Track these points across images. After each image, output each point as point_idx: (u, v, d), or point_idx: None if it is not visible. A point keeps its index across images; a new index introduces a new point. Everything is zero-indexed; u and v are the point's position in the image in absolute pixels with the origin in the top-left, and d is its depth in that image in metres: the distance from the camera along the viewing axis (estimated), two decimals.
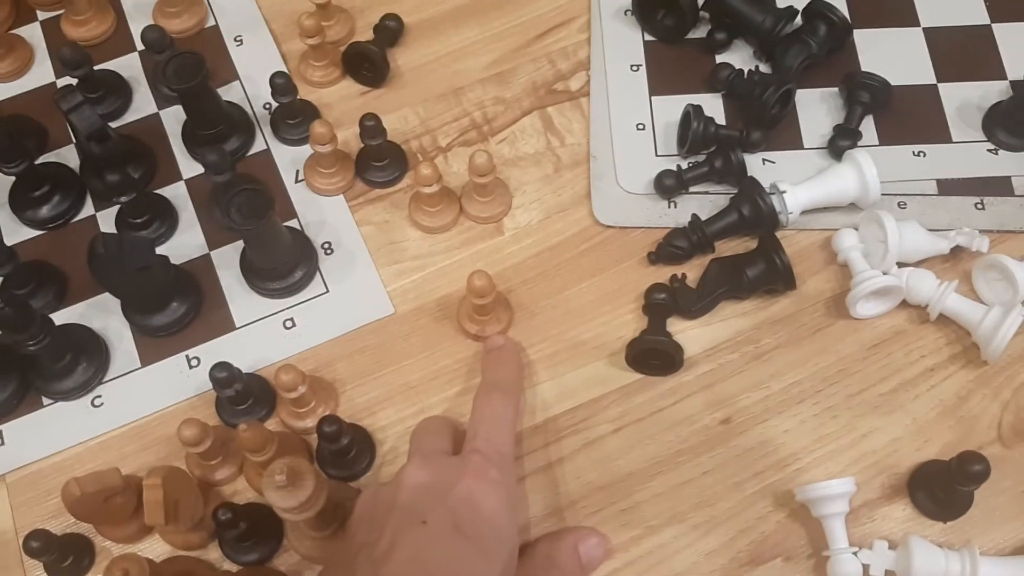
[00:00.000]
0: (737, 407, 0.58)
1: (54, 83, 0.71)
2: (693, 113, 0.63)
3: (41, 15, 0.73)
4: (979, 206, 0.63)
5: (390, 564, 0.44)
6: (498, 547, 0.47)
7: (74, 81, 0.66)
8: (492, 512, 0.47)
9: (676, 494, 0.56)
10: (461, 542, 0.45)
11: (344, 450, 0.54)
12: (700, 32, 0.70)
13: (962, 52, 0.69)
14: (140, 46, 0.71)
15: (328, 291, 0.63)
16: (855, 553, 0.53)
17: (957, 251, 0.61)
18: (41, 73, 0.71)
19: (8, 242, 0.64)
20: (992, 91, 0.67)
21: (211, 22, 0.73)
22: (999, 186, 0.64)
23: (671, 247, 0.61)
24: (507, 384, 0.56)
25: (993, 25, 0.70)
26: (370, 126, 0.62)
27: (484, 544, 0.46)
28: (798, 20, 0.68)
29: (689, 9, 0.67)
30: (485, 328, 0.60)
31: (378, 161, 0.65)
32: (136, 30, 0.72)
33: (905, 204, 0.64)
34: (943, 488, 0.54)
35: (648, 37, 0.70)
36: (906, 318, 0.61)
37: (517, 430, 0.55)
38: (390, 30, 0.70)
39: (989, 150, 0.65)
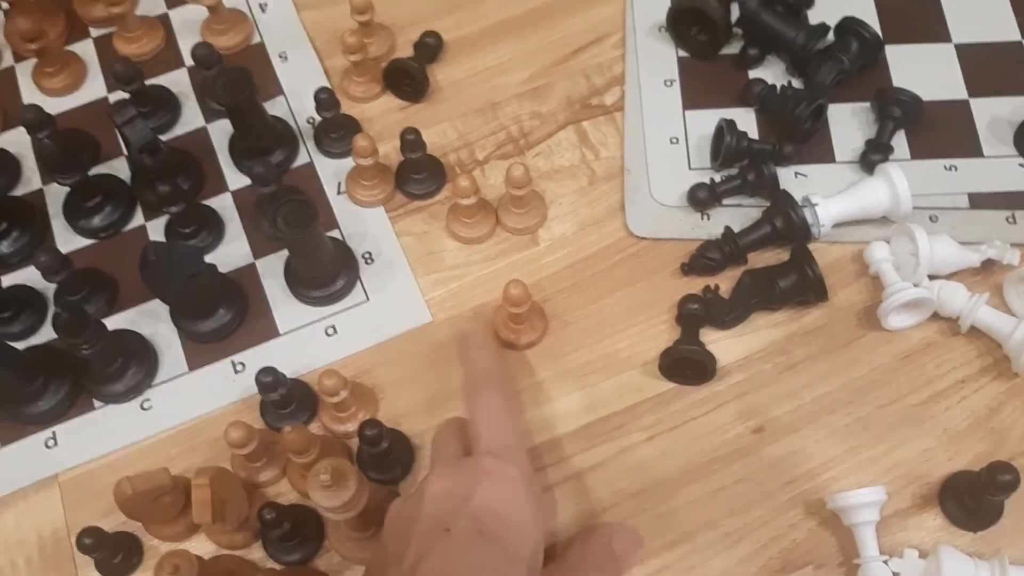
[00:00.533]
0: (769, 416, 0.59)
1: (106, 98, 0.73)
2: (726, 127, 0.65)
3: (94, 32, 0.76)
4: (1010, 220, 0.64)
5: (420, 572, 0.45)
6: (521, 545, 0.47)
7: (126, 96, 0.68)
8: (513, 511, 0.48)
9: (709, 501, 0.57)
10: (485, 546, 0.46)
11: (384, 454, 0.55)
12: (733, 48, 0.71)
13: (993, 68, 0.70)
14: (188, 62, 0.73)
15: (368, 299, 0.64)
16: (886, 562, 0.54)
17: (988, 264, 0.62)
18: (94, 88, 0.74)
19: (62, 250, 0.66)
20: (1023, 107, 0.68)
21: (257, 39, 0.75)
22: None
23: (704, 258, 0.63)
24: (487, 374, 0.55)
25: None
26: (411, 140, 0.64)
27: (507, 544, 0.47)
28: (830, 36, 0.69)
29: (722, 25, 0.68)
30: (520, 337, 0.62)
31: (417, 174, 0.67)
32: (184, 46, 0.74)
33: (936, 217, 0.64)
34: (973, 498, 0.55)
35: (682, 53, 0.72)
36: (937, 330, 0.61)
37: (515, 417, 0.55)
38: (430, 47, 0.72)
39: (1021, 164, 0.66)
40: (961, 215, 0.64)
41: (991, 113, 0.68)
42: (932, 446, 0.58)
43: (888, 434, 0.58)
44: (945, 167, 0.66)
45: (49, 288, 0.65)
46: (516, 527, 0.48)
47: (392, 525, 0.50)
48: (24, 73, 0.74)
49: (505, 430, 0.52)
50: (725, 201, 0.65)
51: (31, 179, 0.70)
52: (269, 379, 0.56)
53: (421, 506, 0.48)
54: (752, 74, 0.70)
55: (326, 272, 0.63)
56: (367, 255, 0.66)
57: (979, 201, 0.65)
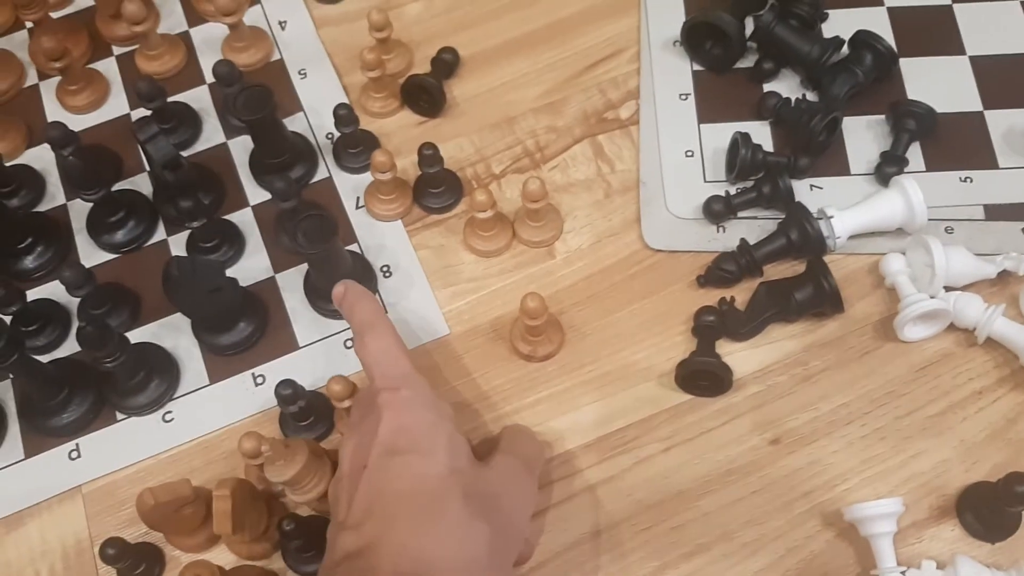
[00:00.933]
0: (786, 428, 0.60)
1: (129, 115, 0.74)
2: (741, 140, 0.65)
3: (116, 50, 0.77)
4: None
5: (351, 513, 0.48)
6: (434, 439, 0.50)
7: (148, 113, 0.69)
8: (414, 420, 0.50)
9: (726, 513, 0.57)
10: (400, 459, 0.49)
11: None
12: (748, 62, 0.71)
13: (1008, 80, 0.70)
14: (209, 79, 0.75)
15: (387, 312, 0.65)
16: (903, 573, 0.54)
17: (1005, 275, 0.62)
18: (117, 105, 0.75)
19: (86, 265, 0.67)
20: None
21: (276, 56, 0.76)
22: None
23: (720, 270, 0.63)
24: (370, 317, 0.56)
25: None
26: (428, 154, 0.65)
27: (420, 446, 0.49)
28: (845, 49, 0.69)
29: (737, 39, 0.69)
30: (537, 349, 0.62)
31: (435, 188, 0.68)
32: (205, 64, 0.76)
33: (952, 229, 0.64)
34: (991, 509, 0.55)
35: (696, 67, 0.72)
36: (954, 341, 0.61)
37: (404, 347, 0.56)
38: (446, 63, 0.73)
39: None
40: (977, 226, 0.65)
41: (1006, 124, 0.68)
42: (949, 457, 0.58)
43: (905, 445, 0.59)
44: (960, 179, 0.66)
45: (73, 302, 0.66)
46: (422, 433, 0.50)
47: (330, 498, 0.53)
48: (48, 91, 0.75)
49: (393, 361, 0.54)
50: (740, 214, 0.66)
51: (55, 195, 0.71)
52: (289, 391, 0.57)
53: (340, 467, 0.51)
54: (767, 87, 0.70)
55: None
56: (385, 268, 0.67)
57: (995, 212, 0.65)
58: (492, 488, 0.51)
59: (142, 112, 0.71)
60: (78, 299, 0.64)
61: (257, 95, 0.65)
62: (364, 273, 0.65)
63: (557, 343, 0.63)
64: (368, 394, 0.55)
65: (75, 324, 0.66)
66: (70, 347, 0.65)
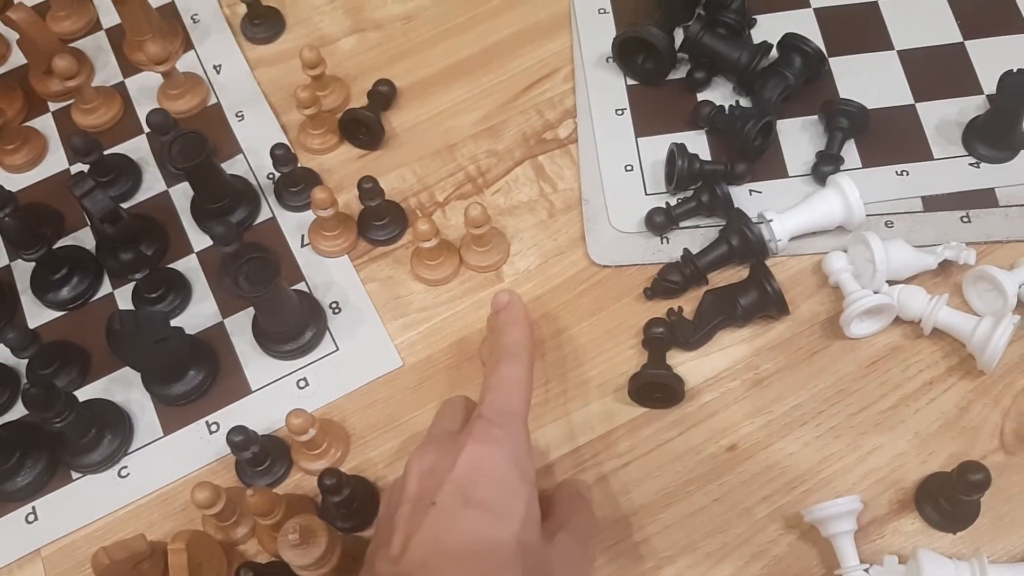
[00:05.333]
0: (741, 434, 0.60)
1: (68, 169, 0.74)
2: (677, 151, 0.65)
3: (52, 106, 0.77)
4: (965, 219, 0.65)
5: (407, 556, 0.44)
6: (511, 503, 0.46)
7: (86, 167, 0.69)
8: (498, 472, 0.47)
9: (688, 523, 0.58)
10: (472, 512, 0.45)
11: (347, 501, 0.55)
12: (680, 73, 0.72)
13: (937, 71, 0.71)
14: (147, 129, 0.74)
15: (338, 349, 0.65)
16: (866, 570, 0.54)
17: (947, 265, 0.63)
18: (55, 161, 0.74)
19: (32, 324, 0.67)
20: (969, 106, 0.69)
21: (213, 100, 0.76)
22: (983, 198, 0.65)
23: (665, 282, 0.63)
24: (516, 347, 0.53)
25: (966, 42, 0.72)
26: (368, 188, 0.65)
27: (496, 506, 0.46)
28: (774, 53, 0.70)
29: (666, 52, 0.69)
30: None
31: (378, 220, 0.68)
32: (142, 113, 0.75)
33: (892, 223, 0.65)
34: (949, 500, 0.55)
35: (630, 81, 0.73)
36: (901, 334, 0.62)
37: (531, 389, 0.53)
38: (383, 95, 0.73)
39: (971, 164, 0.67)
40: (916, 219, 0.65)
41: (938, 115, 0.69)
42: (905, 450, 0.58)
43: (860, 442, 0.59)
44: (897, 172, 0.67)
45: (21, 364, 0.65)
46: (503, 486, 0.47)
47: (383, 511, 0.50)
48: None
49: (511, 397, 0.51)
50: (682, 224, 0.66)
51: None
52: (240, 438, 0.56)
53: (406, 485, 0.48)
54: (700, 96, 0.71)
55: (293, 326, 0.63)
56: (334, 305, 0.66)
57: (933, 203, 0.66)
58: (551, 571, 0.48)
59: (81, 166, 0.71)
60: (25, 360, 0.64)
61: (191, 141, 0.64)
62: (312, 311, 0.65)
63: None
64: (463, 409, 0.53)
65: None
66: (21, 409, 0.64)
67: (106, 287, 0.69)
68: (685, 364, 0.62)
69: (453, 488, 0.46)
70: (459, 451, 0.47)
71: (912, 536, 0.56)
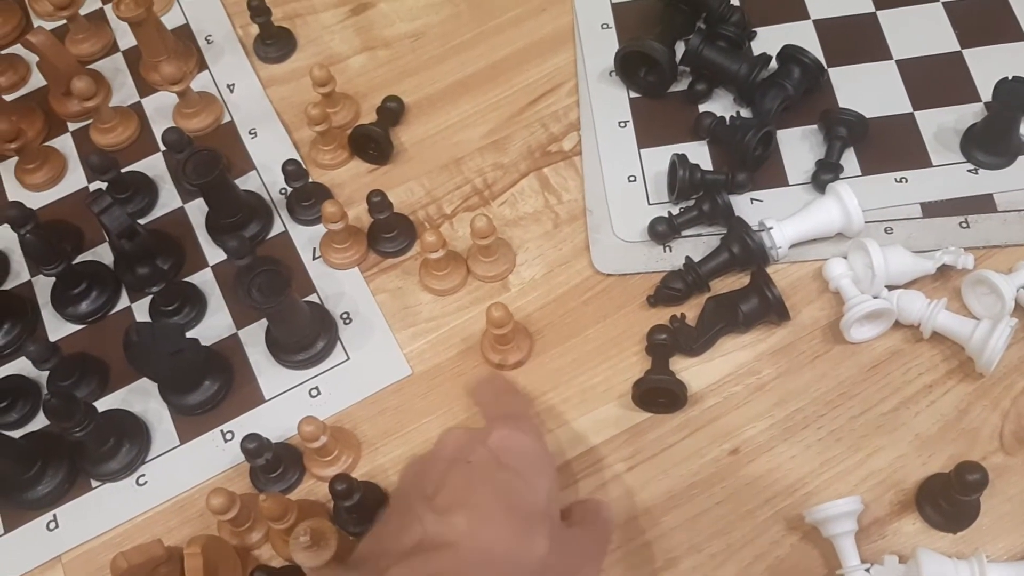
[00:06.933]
0: (744, 437, 0.61)
1: (87, 187, 0.76)
2: (678, 162, 0.67)
3: (71, 126, 0.79)
4: (964, 225, 0.66)
5: (443, 494, 0.47)
6: (539, 476, 0.50)
7: (104, 184, 0.71)
8: (528, 447, 0.50)
9: (692, 526, 0.59)
10: (505, 472, 0.48)
11: (357, 506, 0.57)
12: (682, 85, 0.73)
13: (935, 79, 0.72)
14: (163, 147, 0.76)
15: (349, 358, 0.66)
16: (867, 570, 0.55)
17: (945, 270, 0.64)
18: (75, 179, 0.77)
19: (52, 338, 0.69)
20: (967, 114, 0.70)
21: (227, 118, 0.78)
22: (981, 204, 0.66)
23: (668, 289, 0.64)
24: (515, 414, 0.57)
25: (963, 51, 0.73)
26: (376, 201, 0.67)
27: (526, 474, 0.49)
28: (774, 64, 0.71)
29: (668, 65, 0.71)
30: (507, 357, 0.64)
31: (387, 233, 0.70)
32: (158, 132, 0.77)
33: (892, 229, 0.66)
34: (948, 500, 0.56)
35: (633, 94, 0.74)
36: (901, 338, 0.63)
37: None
38: (392, 111, 0.75)
39: (969, 170, 0.68)
40: (915, 225, 0.66)
41: (936, 123, 0.70)
42: (905, 452, 0.59)
43: (861, 444, 0.60)
44: (896, 180, 0.68)
45: (43, 375, 0.67)
46: (533, 460, 0.50)
47: (410, 471, 0.52)
48: (7, 171, 0.77)
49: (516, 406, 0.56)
50: (684, 232, 0.67)
51: (20, 272, 0.73)
52: (254, 445, 0.58)
53: (440, 451, 0.51)
54: (702, 108, 0.72)
55: (305, 336, 0.65)
56: (345, 315, 0.68)
57: (931, 209, 0.67)
58: (568, 551, 0.50)
59: (99, 184, 0.73)
60: (46, 372, 0.65)
61: (205, 159, 0.66)
62: (324, 322, 0.66)
63: (526, 350, 0.64)
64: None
65: None
66: (43, 420, 0.66)
67: (124, 301, 0.71)
68: (688, 370, 0.63)
69: (487, 453, 0.49)
70: (488, 432, 0.50)
71: (913, 536, 0.57)
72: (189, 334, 0.65)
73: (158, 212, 0.74)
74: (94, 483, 0.64)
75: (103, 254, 0.73)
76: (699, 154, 0.70)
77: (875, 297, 0.62)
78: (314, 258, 0.71)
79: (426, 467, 0.50)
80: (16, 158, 0.76)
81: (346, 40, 0.81)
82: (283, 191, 0.74)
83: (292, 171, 0.69)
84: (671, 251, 0.67)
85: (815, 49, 0.73)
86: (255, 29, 0.80)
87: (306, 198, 0.71)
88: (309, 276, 0.70)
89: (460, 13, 0.81)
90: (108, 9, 0.84)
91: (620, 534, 0.59)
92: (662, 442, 0.61)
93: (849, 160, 0.69)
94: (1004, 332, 0.58)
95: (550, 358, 0.65)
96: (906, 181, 0.68)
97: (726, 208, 0.65)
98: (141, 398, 0.66)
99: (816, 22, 0.75)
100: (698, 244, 0.67)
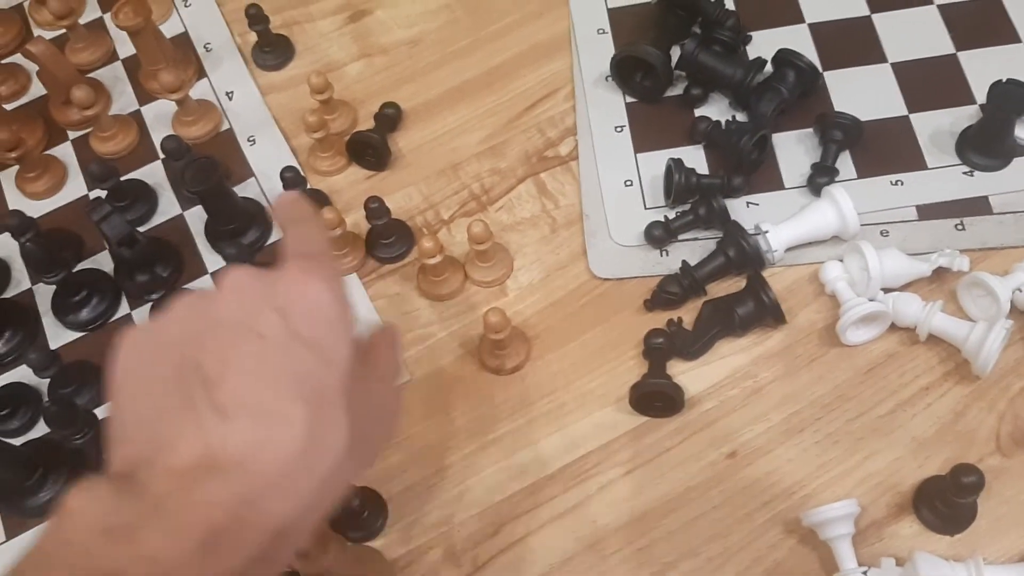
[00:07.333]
0: (741, 441, 0.61)
1: (87, 195, 0.76)
2: (674, 166, 0.67)
3: (71, 134, 0.80)
4: (959, 227, 0.66)
5: (227, 386, 0.38)
6: (339, 348, 0.41)
7: (103, 193, 0.72)
8: (326, 306, 0.41)
9: (689, 529, 0.59)
10: (300, 350, 0.40)
11: (356, 512, 0.57)
12: (677, 89, 0.74)
13: (930, 82, 0.72)
14: (162, 155, 0.77)
15: None
16: (864, 573, 0.55)
17: (941, 272, 0.64)
18: (75, 187, 0.77)
19: (53, 345, 0.69)
20: (962, 116, 0.70)
21: (226, 126, 0.78)
22: (977, 206, 0.66)
23: (665, 293, 0.65)
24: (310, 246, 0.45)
25: (958, 53, 0.73)
26: (374, 208, 0.67)
27: (324, 350, 0.40)
28: (769, 68, 0.72)
29: (663, 70, 0.71)
30: (505, 362, 0.64)
31: (385, 239, 0.70)
32: (158, 140, 0.77)
33: (887, 232, 0.66)
34: (945, 503, 0.56)
35: (629, 99, 0.74)
36: (897, 341, 0.63)
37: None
38: (389, 117, 0.75)
39: (964, 172, 0.68)
40: (911, 227, 0.66)
41: (932, 125, 0.70)
42: (902, 455, 0.59)
43: (858, 447, 0.60)
44: (891, 182, 0.68)
45: (43, 383, 0.68)
46: (332, 327, 0.41)
47: (187, 320, 0.41)
48: (8, 179, 0.78)
49: (312, 246, 0.45)
50: (681, 236, 0.68)
51: (20, 281, 0.73)
52: None
53: (223, 306, 0.41)
54: (697, 112, 0.73)
55: None
56: None
57: (927, 212, 0.67)
58: (367, 414, 0.42)
59: (99, 192, 0.74)
60: (47, 380, 0.66)
61: (204, 166, 0.67)
62: None
63: (524, 355, 0.65)
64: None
65: None
66: (43, 427, 0.67)
67: (124, 308, 0.71)
68: (685, 373, 0.63)
69: (280, 324, 0.40)
70: (278, 278, 0.41)
71: (910, 539, 0.57)
72: None
73: (157, 220, 0.75)
74: None
75: (103, 262, 0.73)
76: (695, 158, 0.70)
77: (871, 300, 0.62)
78: None
79: (207, 328, 0.40)
80: (17, 167, 0.76)
81: (344, 47, 0.81)
82: None
83: (291, 178, 0.69)
84: (667, 255, 0.67)
85: (810, 52, 0.73)
86: (253, 37, 0.80)
87: None
88: None
89: (457, 20, 0.81)
90: (107, 18, 0.84)
91: (618, 538, 0.59)
92: (659, 446, 0.61)
93: (845, 163, 0.69)
94: (1000, 334, 0.58)
95: (548, 362, 0.65)
96: (901, 184, 0.68)
97: (722, 212, 0.65)
98: None
99: (811, 25, 0.76)
100: (694, 248, 0.67)
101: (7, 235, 0.73)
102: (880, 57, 0.74)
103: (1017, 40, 0.73)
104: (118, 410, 0.41)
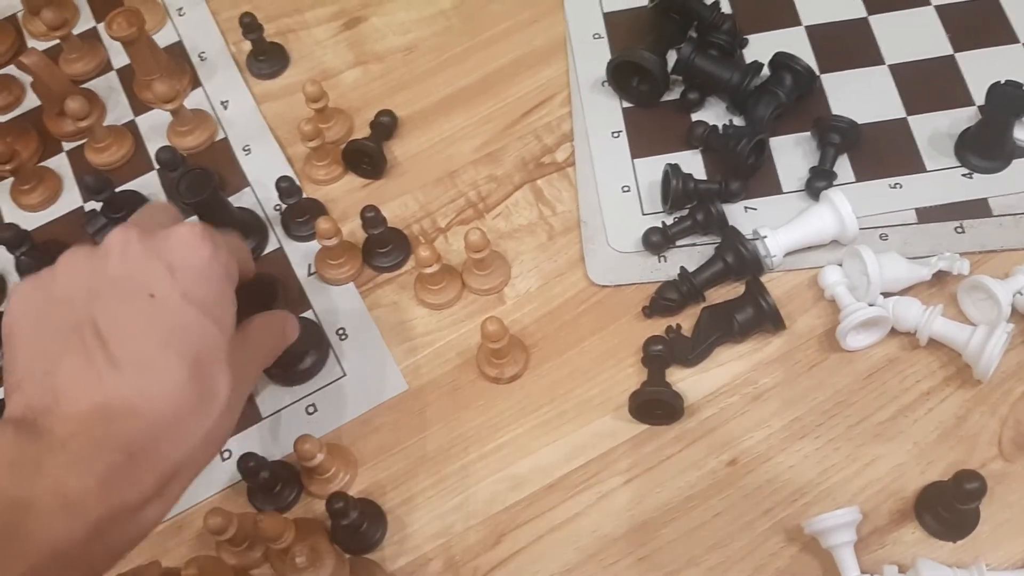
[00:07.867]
0: (742, 448, 0.61)
1: (82, 207, 0.76)
2: (671, 172, 0.67)
3: (66, 146, 0.79)
4: (959, 230, 0.65)
5: (121, 340, 0.42)
6: (224, 308, 0.46)
7: (99, 205, 0.71)
8: (210, 270, 0.45)
9: (690, 538, 0.58)
10: (191, 310, 0.44)
11: (355, 525, 0.56)
12: (674, 94, 0.73)
13: (928, 84, 0.72)
14: (157, 165, 0.76)
15: (345, 374, 0.66)
16: None
17: (941, 276, 0.63)
18: (69, 199, 0.77)
19: None
20: (961, 118, 0.70)
21: (221, 135, 0.78)
22: (977, 208, 0.66)
23: (663, 300, 0.64)
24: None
25: (956, 55, 0.73)
26: (370, 217, 0.67)
27: (211, 308, 0.45)
28: (766, 72, 0.71)
29: (660, 75, 0.71)
30: (504, 371, 0.64)
31: (382, 248, 0.69)
32: (153, 150, 0.77)
33: (887, 236, 0.66)
34: (948, 509, 0.56)
35: (625, 104, 0.74)
36: (898, 345, 0.62)
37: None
38: (385, 125, 0.75)
39: (963, 175, 0.67)
40: (910, 231, 0.66)
41: (930, 128, 0.70)
42: (904, 460, 0.59)
43: (859, 453, 0.59)
44: (890, 185, 0.68)
45: None
46: (216, 289, 0.46)
47: (78, 274, 0.45)
48: (2, 192, 0.77)
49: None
50: (679, 242, 0.67)
51: None
52: (251, 464, 0.58)
53: (115, 263, 0.44)
54: (695, 117, 0.72)
55: (298, 353, 0.65)
56: (341, 331, 0.68)
57: (926, 215, 0.66)
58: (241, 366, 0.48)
59: (94, 204, 0.73)
60: None
61: (199, 177, 0.66)
62: (318, 339, 0.66)
63: (522, 363, 0.64)
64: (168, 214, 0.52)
65: None
66: None
67: None
68: (684, 381, 0.63)
69: (171, 286, 0.44)
70: (168, 236, 0.45)
71: (912, 545, 0.57)
72: None
73: None
74: None
75: None
76: (692, 163, 0.70)
77: (871, 304, 0.61)
78: (309, 274, 0.71)
79: (102, 287, 0.44)
80: (11, 179, 0.76)
81: (339, 55, 0.81)
82: (277, 207, 0.74)
83: (286, 188, 0.69)
84: (666, 261, 0.67)
85: (807, 55, 0.73)
86: (248, 46, 0.80)
87: (300, 214, 0.71)
88: (304, 292, 0.70)
89: (452, 26, 0.81)
90: (101, 28, 0.84)
91: (618, 548, 0.59)
92: (659, 454, 0.61)
93: (843, 167, 0.69)
94: (1001, 338, 0.58)
95: (546, 371, 0.65)
96: (900, 187, 0.68)
97: (720, 217, 0.65)
98: None
99: (808, 28, 0.75)
100: (693, 254, 0.67)
101: (2, 248, 0.73)
102: (877, 59, 0.73)
103: (1015, 41, 0.73)
104: (12, 360, 0.44)
